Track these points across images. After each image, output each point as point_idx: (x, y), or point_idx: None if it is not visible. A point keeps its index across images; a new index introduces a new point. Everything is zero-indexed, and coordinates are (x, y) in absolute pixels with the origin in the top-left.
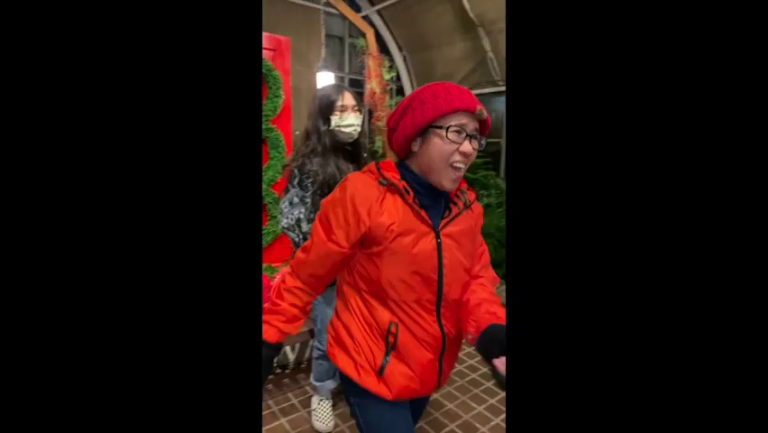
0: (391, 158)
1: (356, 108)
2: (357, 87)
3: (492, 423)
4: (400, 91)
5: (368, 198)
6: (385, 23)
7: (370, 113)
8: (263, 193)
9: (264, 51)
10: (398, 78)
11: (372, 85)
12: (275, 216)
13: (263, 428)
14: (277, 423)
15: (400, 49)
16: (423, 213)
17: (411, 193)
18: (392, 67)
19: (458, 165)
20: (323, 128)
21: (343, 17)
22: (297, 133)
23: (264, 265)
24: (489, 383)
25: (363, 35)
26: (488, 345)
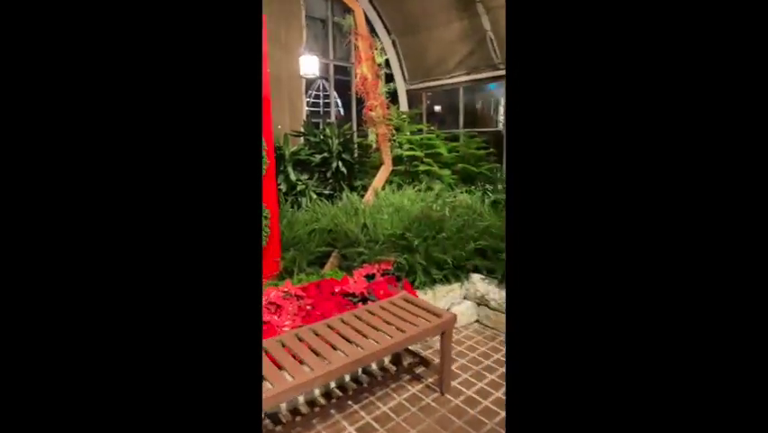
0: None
1: None
2: (343, 74)
3: (499, 417)
4: (390, 78)
5: None
6: (371, 2)
7: (362, 101)
8: None
9: None
10: (387, 64)
11: (363, 69)
12: None
13: None
14: None
15: (389, 32)
16: None
17: None
18: (382, 50)
19: None
20: None
21: None
22: (279, 127)
23: None
24: (495, 376)
25: (350, 12)
26: None
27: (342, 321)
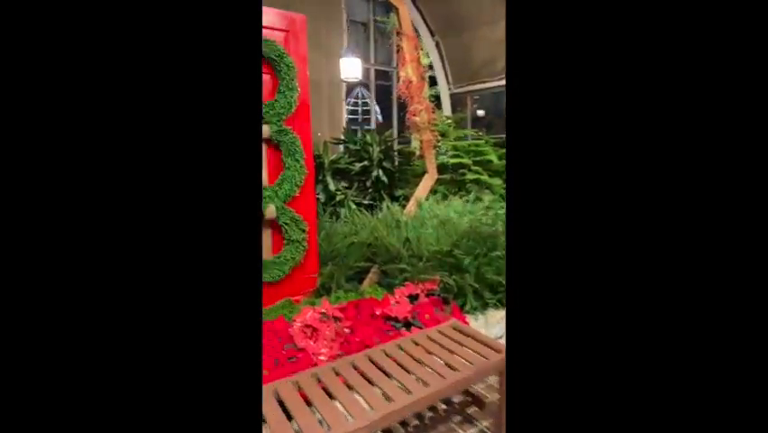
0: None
1: None
2: (384, 79)
3: None
4: (433, 82)
5: None
6: (414, 3)
7: (403, 106)
8: (278, 212)
9: (274, 33)
10: (430, 67)
11: (408, 72)
12: (295, 241)
13: None
14: None
15: (432, 33)
16: None
17: None
18: (426, 54)
19: None
20: None
21: None
22: (319, 134)
23: (281, 301)
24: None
25: (394, 10)
26: None
27: (386, 353)
